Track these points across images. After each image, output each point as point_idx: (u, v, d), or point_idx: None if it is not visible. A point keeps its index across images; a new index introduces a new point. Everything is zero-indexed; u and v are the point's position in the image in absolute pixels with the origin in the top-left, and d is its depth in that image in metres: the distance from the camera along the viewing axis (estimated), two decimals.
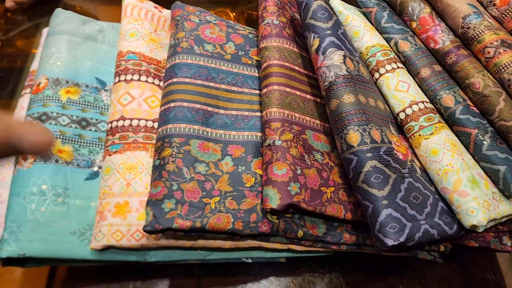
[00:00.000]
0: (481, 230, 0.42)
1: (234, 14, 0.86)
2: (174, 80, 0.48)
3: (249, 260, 0.47)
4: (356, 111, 0.43)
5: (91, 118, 0.52)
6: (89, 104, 0.53)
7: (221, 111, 0.49)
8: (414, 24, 0.53)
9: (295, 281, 0.48)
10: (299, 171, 0.43)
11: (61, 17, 0.58)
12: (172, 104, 0.46)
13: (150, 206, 0.40)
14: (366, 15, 0.56)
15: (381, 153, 0.42)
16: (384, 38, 0.54)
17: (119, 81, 0.51)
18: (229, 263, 0.47)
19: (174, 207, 0.40)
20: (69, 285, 0.47)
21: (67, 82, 0.52)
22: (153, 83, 0.51)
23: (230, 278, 0.48)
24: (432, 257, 0.49)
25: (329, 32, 0.47)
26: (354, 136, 0.42)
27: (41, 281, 0.47)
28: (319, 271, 0.49)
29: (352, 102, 0.44)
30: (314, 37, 0.48)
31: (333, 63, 0.46)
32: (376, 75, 0.50)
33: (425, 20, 0.52)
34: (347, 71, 0.45)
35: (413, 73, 0.51)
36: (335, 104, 0.44)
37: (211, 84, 0.50)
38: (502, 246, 0.51)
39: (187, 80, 0.49)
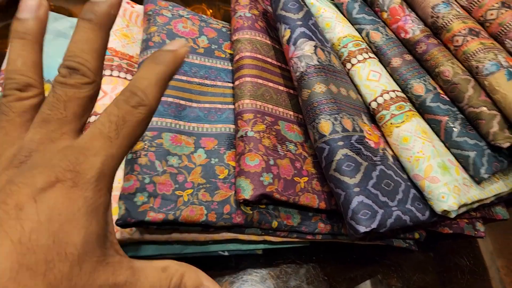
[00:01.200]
0: (453, 215, 0.43)
1: (211, 10, 0.86)
2: None
3: (226, 253, 0.47)
4: (327, 100, 0.44)
5: None
6: None
7: (194, 104, 0.48)
8: (385, 15, 0.53)
9: (272, 272, 0.48)
10: (272, 162, 0.43)
11: None
12: None
13: (122, 200, 0.40)
14: (338, 7, 0.56)
15: (352, 141, 0.42)
16: (356, 29, 0.54)
17: None
18: (205, 257, 0.47)
19: (146, 200, 0.40)
20: None
21: None
22: (125, 78, 0.51)
23: (207, 272, 0.47)
24: (407, 244, 0.49)
25: (299, 23, 0.47)
26: (325, 125, 0.43)
27: None
28: (296, 262, 0.49)
29: (323, 91, 0.44)
30: (285, 28, 0.48)
31: (304, 53, 0.46)
32: (348, 65, 0.51)
33: (395, 11, 0.52)
34: (318, 61, 0.46)
35: (385, 62, 0.51)
36: (307, 94, 0.44)
37: (184, 78, 0.50)
38: (476, 232, 0.52)
39: None
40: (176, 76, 0.49)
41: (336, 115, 0.43)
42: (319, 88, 0.44)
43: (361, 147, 0.43)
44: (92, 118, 0.47)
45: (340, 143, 0.42)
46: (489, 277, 0.50)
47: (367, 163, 0.42)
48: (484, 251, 0.52)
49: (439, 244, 0.52)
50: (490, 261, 0.51)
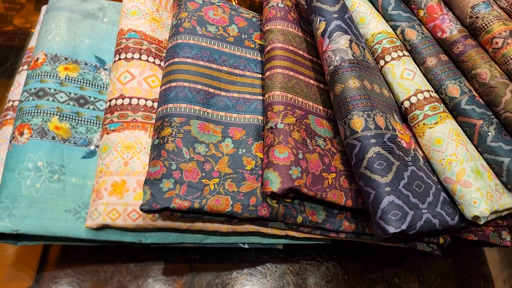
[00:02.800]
0: (482, 222, 0.42)
1: (236, 0, 0.85)
2: (176, 60, 0.47)
3: (246, 246, 0.46)
4: (361, 96, 0.43)
5: (90, 97, 0.51)
6: (88, 82, 0.51)
7: (223, 93, 0.48)
8: (421, 13, 0.52)
9: (291, 268, 0.47)
10: (301, 155, 0.42)
11: None
12: (173, 84, 0.45)
13: (148, 185, 0.39)
14: (373, 2, 0.55)
15: (385, 139, 0.41)
16: (390, 26, 0.53)
17: (119, 59, 0.49)
18: (225, 248, 0.47)
19: (172, 187, 0.39)
20: (61, 265, 0.46)
21: (65, 59, 0.51)
22: (153, 62, 0.50)
23: (225, 263, 0.47)
24: (430, 249, 0.48)
25: (335, 15, 0.46)
26: (358, 121, 0.41)
27: (34, 260, 0.46)
28: (316, 259, 0.48)
29: (357, 87, 0.43)
30: (320, 20, 0.47)
31: (339, 47, 0.45)
32: (382, 62, 0.50)
33: (432, 9, 0.51)
34: (353, 55, 0.45)
35: (419, 61, 0.50)
36: (340, 88, 0.43)
37: (213, 65, 0.49)
38: (501, 241, 0.51)
39: (189, 60, 0.48)
40: (206, 63, 0.48)
41: (370, 112, 0.42)
42: (353, 83, 0.43)
43: (394, 146, 0.42)
44: (119, 101, 0.47)
45: (373, 140, 0.41)
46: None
47: (399, 162, 0.41)
48: (508, 261, 0.51)
49: (462, 250, 0.51)
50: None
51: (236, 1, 0.85)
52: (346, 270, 0.48)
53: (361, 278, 0.48)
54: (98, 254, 0.47)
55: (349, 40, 0.45)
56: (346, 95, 0.43)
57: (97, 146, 0.48)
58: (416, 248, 0.47)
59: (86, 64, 0.53)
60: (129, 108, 0.47)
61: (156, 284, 0.45)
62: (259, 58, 0.53)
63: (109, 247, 0.46)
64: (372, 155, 0.40)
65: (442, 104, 0.47)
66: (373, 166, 0.40)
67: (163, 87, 0.46)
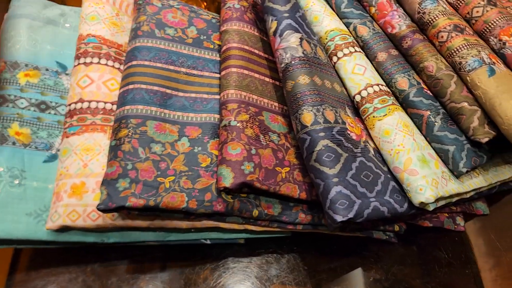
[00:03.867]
0: (431, 208, 0.43)
1: (205, 3, 0.86)
2: (134, 63, 0.49)
3: (208, 242, 0.48)
4: (310, 92, 0.44)
5: (51, 102, 0.51)
6: (49, 87, 0.52)
7: (180, 94, 0.49)
8: (372, 10, 0.54)
9: (253, 261, 0.49)
10: (253, 151, 0.43)
11: (21, 0, 0.57)
12: (131, 86, 0.46)
13: (104, 185, 0.41)
14: (327, 0, 0.57)
15: (333, 132, 0.43)
16: (343, 23, 0.55)
17: (79, 64, 0.50)
18: (187, 245, 0.48)
19: (128, 186, 0.40)
20: (31, 267, 0.47)
21: (26, 65, 0.52)
22: (113, 66, 0.51)
23: (188, 260, 0.48)
24: (387, 237, 0.50)
25: (286, 15, 0.48)
26: (308, 116, 0.43)
27: (4, 264, 0.47)
28: (277, 252, 0.50)
29: (307, 83, 0.45)
30: (272, 20, 0.48)
31: (289, 45, 0.46)
32: (334, 58, 0.51)
33: (383, 6, 0.53)
34: (303, 53, 0.46)
35: (371, 57, 0.52)
36: (291, 85, 0.45)
37: (171, 67, 0.50)
38: (456, 226, 0.53)
39: (147, 63, 0.49)
40: (164, 65, 0.49)
41: (319, 107, 0.44)
42: (303, 79, 0.45)
43: (342, 139, 0.43)
44: (78, 105, 0.48)
45: (321, 134, 0.42)
46: (466, 270, 0.50)
47: (347, 154, 0.43)
48: (462, 245, 0.53)
49: (419, 237, 0.53)
50: (467, 254, 0.52)
51: (205, 3, 0.86)
52: (306, 261, 0.49)
53: (320, 267, 0.49)
54: (64, 255, 0.47)
55: (300, 38, 0.47)
56: (296, 91, 0.44)
57: (58, 150, 0.49)
58: (373, 237, 0.49)
59: (47, 69, 0.53)
60: (88, 112, 0.48)
61: (120, 282, 0.46)
62: (218, 58, 0.54)
63: (74, 248, 0.47)
64: (321, 148, 0.42)
65: (391, 97, 0.49)
66: (322, 159, 0.41)
67: (121, 90, 0.47)
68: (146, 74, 0.48)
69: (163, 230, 0.46)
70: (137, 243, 0.46)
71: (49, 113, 0.51)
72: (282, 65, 0.46)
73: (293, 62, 0.45)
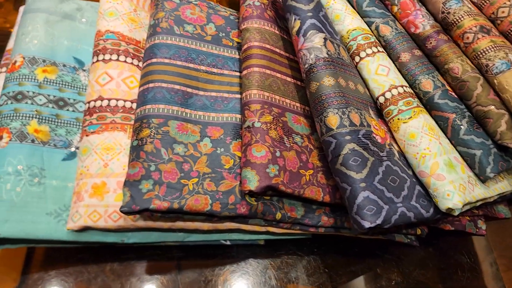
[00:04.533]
0: (456, 213, 0.43)
1: None
2: (153, 60, 0.48)
3: (228, 243, 0.47)
4: (335, 94, 0.43)
5: (69, 98, 0.51)
6: (67, 84, 0.52)
7: (201, 93, 0.48)
8: (395, 9, 0.53)
9: (273, 263, 0.48)
10: (278, 154, 0.43)
11: None
12: (151, 85, 0.45)
13: (127, 187, 0.40)
14: None
15: (359, 136, 0.42)
16: (365, 22, 0.54)
17: (97, 60, 0.49)
18: (207, 246, 0.47)
19: (151, 188, 0.40)
20: (46, 266, 0.46)
21: (43, 61, 0.51)
22: (132, 63, 0.50)
23: (208, 260, 0.48)
24: (408, 240, 0.50)
25: (310, 14, 0.47)
26: (333, 119, 0.42)
27: (18, 262, 0.47)
28: (297, 254, 0.49)
29: (332, 85, 0.44)
30: (295, 19, 0.47)
31: (313, 45, 0.45)
32: (357, 58, 0.50)
33: (406, 5, 0.52)
34: (327, 53, 0.45)
35: (393, 57, 0.51)
36: (315, 86, 0.44)
37: (191, 65, 0.49)
38: (477, 230, 0.52)
39: (166, 60, 0.48)
40: (184, 63, 0.49)
41: (344, 109, 0.43)
42: (327, 81, 0.44)
43: (368, 142, 0.43)
44: (98, 103, 0.47)
45: (348, 137, 0.41)
46: (488, 274, 0.50)
47: (373, 158, 0.42)
48: (483, 249, 0.53)
49: (440, 240, 0.52)
50: (489, 258, 0.52)
51: None
52: (327, 263, 0.49)
53: (341, 270, 0.49)
54: (81, 255, 0.47)
55: (324, 38, 0.46)
56: (321, 93, 0.44)
57: (77, 148, 0.48)
58: (394, 240, 0.49)
59: (64, 65, 0.53)
60: (108, 110, 0.47)
61: (139, 282, 0.46)
62: (237, 56, 0.53)
63: (92, 247, 0.46)
64: (347, 152, 0.41)
65: (416, 99, 0.48)
66: (348, 163, 0.41)
67: (141, 88, 0.46)
68: (166, 72, 0.47)
69: (184, 231, 0.45)
70: (157, 243, 0.46)
71: (67, 110, 0.50)
72: (306, 65, 0.45)
73: (317, 63, 0.45)
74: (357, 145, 0.42)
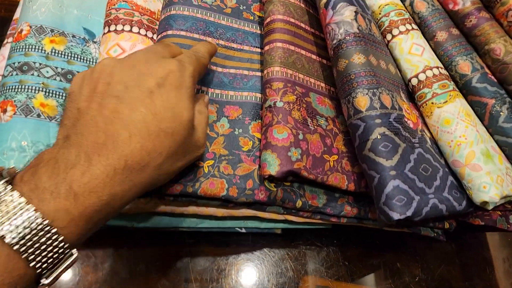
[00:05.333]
0: (491, 207, 0.39)
1: None
2: (169, 32, 0.44)
3: (243, 230, 0.44)
4: (366, 73, 0.40)
5: (78, 71, 0.48)
6: (76, 56, 0.48)
7: (219, 69, 0.45)
8: None
9: (290, 253, 0.45)
10: (301, 136, 0.39)
11: None
12: None
13: None
14: None
15: (391, 119, 0.39)
16: None
17: (109, 31, 0.46)
18: (221, 233, 0.45)
19: None
20: None
21: (51, 30, 0.48)
22: (145, 35, 0.47)
23: (222, 248, 0.45)
24: (435, 234, 0.46)
25: None
26: (362, 100, 0.39)
27: None
28: (316, 244, 0.46)
29: (363, 63, 0.40)
30: None
31: (343, 19, 0.42)
32: (389, 36, 0.46)
33: None
34: (358, 28, 0.41)
35: (428, 36, 0.47)
36: (344, 64, 0.40)
37: (209, 39, 0.46)
38: (509, 225, 0.49)
39: (183, 33, 0.44)
40: (201, 37, 0.45)
41: (375, 90, 0.39)
42: (358, 58, 0.40)
43: (400, 127, 0.39)
44: None
45: (378, 120, 0.38)
46: None
47: (405, 144, 0.38)
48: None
49: (468, 235, 0.49)
50: None
51: None
52: (346, 255, 0.46)
53: (362, 263, 0.46)
54: (89, 238, 0.44)
55: (355, 11, 0.42)
56: (350, 71, 0.40)
57: None
58: (420, 234, 0.45)
59: (74, 36, 0.49)
60: None
61: (148, 269, 0.43)
62: (258, 31, 0.49)
63: (100, 231, 0.44)
64: (377, 137, 0.37)
65: (452, 82, 0.44)
66: (378, 148, 0.37)
67: None
68: (182, 46, 0.44)
69: (196, 217, 0.42)
70: (168, 228, 0.43)
71: None
72: (334, 41, 0.42)
73: (347, 38, 0.41)
74: (388, 129, 0.38)
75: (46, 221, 0.24)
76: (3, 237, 0.23)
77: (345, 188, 0.41)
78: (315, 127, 0.41)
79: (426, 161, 0.40)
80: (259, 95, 0.44)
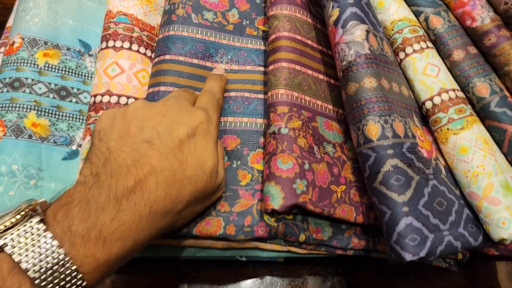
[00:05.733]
0: (508, 241, 0.37)
1: None
2: (167, 57, 0.42)
3: (243, 259, 0.42)
4: (378, 98, 0.37)
5: (72, 88, 0.45)
6: (70, 70, 0.46)
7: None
8: None
9: (293, 283, 0.43)
10: (307, 166, 0.37)
11: None
12: (162, 88, 0.40)
13: None
14: None
15: (404, 150, 0.36)
16: (412, 11, 0.46)
17: (107, 47, 0.44)
18: (220, 260, 0.42)
19: None
20: None
21: (45, 43, 0.45)
22: (145, 54, 0.44)
23: (220, 277, 0.43)
24: (447, 264, 0.44)
25: (351, 1, 0.40)
26: (374, 128, 0.36)
27: None
28: (320, 274, 0.44)
29: (374, 87, 0.37)
30: (333, 7, 0.40)
31: (354, 39, 0.39)
32: (401, 54, 0.44)
33: None
34: (369, 49, 0.39)
35: (444, 54, 0.44)
36: (354, 88, 0.38)
37: (209, 64, 0.43)
38: None
39: (181, 58, 0.42)
40: (200, 62, 0.43)
41: (387, 117, 0.36)
42: (369, 82, 0.37)
43: (413, 157, 0.36)
44: (105, 98, 0.42)
45: (390, 151, 0.35)
46: None
47: (419, 177, 0.36)
48: None
49: (481, 266, 0.46)
50: None
51: None
52: (353, 285, 0.44)
53: None
54: None
55: (366, 30, 0.39)
56: (360, 96, 0.37)
57: (79, 146, 0.43)
58: (432, 264, 0.43)
59: (68, 49, 0.47)
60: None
61: None
62: (262, 47, 0.47)
63: None
64: (389, 169, 0.35)
65: (469, 106, 0.41)
66: (390, 182, 0.34)
67: (151, 90, 0.41)
68: (180, 74, 0.41)
69: (195, 247, 0.40)
70: (166, 258, 0.41)
71: (70, 101, 0.45)
72: (344, 62, 0.39)
73: (357, 60, 0.38)
74: (401, 161, 0.35)
75: (74, 267, 0.25)
76: (34, 279, 0.24)
77: (353, 221, 0.38)
78: (322, 155, 0.39)
79: (440, 194, 0.37)
80: (260, 120, 0.42)
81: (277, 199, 0.35)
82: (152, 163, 0.29)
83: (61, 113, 0.44)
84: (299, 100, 0.40)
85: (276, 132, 0.38)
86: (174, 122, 0.32)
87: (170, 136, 0.31)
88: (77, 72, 0.46)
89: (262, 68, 0.45)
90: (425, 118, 0.42)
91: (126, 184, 0.28)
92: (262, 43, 0.47)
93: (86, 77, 0.46)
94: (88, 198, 0.27)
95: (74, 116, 0.44)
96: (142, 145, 0.30)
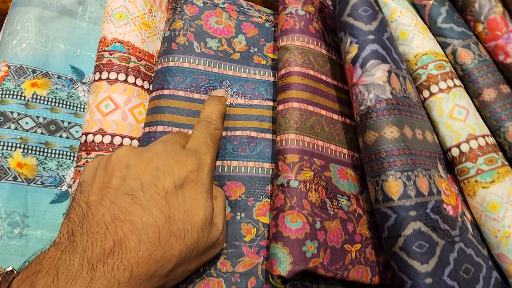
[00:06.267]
0: None
1: None
2: (165, 92, 0.38)
3: None
4: (400, 151, 0.33)
5: (63, 121, 0.42)
6: (61, 101, 0.42)
7: (222, 133, 0.38)
8: (480, 27, 0.41)
9: None
10: (318, 225, 0.33)
11: None
12: (159, 128, 0.36)
13: None
14: (418, 9, 0.44)
15: (428, 210, 0.32)
16: (438, 42, 0.42)
17: (100, 79, 0.40)
18: None
19: None
20: None
21: (33, 71, 0.42)
22: (142, 86, 0.40)
23: None
24: None
25: (372, 37, 0.36)
26: (395, 185, 0.32)
27: None
28: None
29: (396, 138, 0.33)
30: (351, 42, 0.36)
31: (374, 81, 0.35)
32: (426, 93, 0.39)
33: (495, 23, 0.40)
34: (391, 93, 0.34)
35: (473, 93, 0.40)
36: (373, 138, 0.34)
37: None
38: None
39: (181, 93, 0.38)
40: (201, 96, 0.40)
41: (410, 173, 0.32)
42: (390, 132, 0.33)
43: (438, 218, 0.33)
44: (97, 138, 0.38)
45: (413, 213, 0.31)
46: None
47: (444, 241, 0.32)
48: None
49: None
50: None
51: None
52: None
53: None
54: None
55: (388, 71, 0.35)
56: (380, 147, 0.33)
57: (69, 187, 0.40)
58: None
59: (59, 77, 0.43)
60: (110, 149, 0.37)
61: None
62: (271, 79, 0.42)
63: None
64: (411, 233, 0.31)
65: (500, 154, 0.37)
66: (412, 248, 0.31)
67: (147, 130, 0.37)
68: (179, 111, 0.38)
69: None
70: None
71: (60, 136, 0.41)
72: (362, 107, 0.35)
73: (378, 106, 0.34)
74: (425, 224, 0.31)
75: None
76: None
77: (368, 282, 0.34)
78: (336, 210, 0.35)
79: (467, 259, 0.33)
80: (267, 165, 0.38)
81: (284, 264, 0.31)
82: (133, 220, 0.27)
83: (49, 150, 0.40)
84: (311, 146, 0.36)
85: (285, 184, 0.34)
86: (160, 170, 0.29)
87: (155, 187, 0.28)
88: (68, 103, 0.42)
89: (271, 103, 0.41)
90: (451, 165, 0.38)
91: (103, 246, 0.25)
92: (271, 73, 0.43)
93: (78, 109, 0.43)
94: (58, 266, 0.24)
95: (64, 153, 0.40)
96: (123, 199, 0.27)
